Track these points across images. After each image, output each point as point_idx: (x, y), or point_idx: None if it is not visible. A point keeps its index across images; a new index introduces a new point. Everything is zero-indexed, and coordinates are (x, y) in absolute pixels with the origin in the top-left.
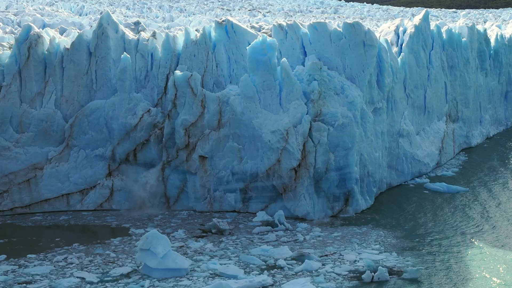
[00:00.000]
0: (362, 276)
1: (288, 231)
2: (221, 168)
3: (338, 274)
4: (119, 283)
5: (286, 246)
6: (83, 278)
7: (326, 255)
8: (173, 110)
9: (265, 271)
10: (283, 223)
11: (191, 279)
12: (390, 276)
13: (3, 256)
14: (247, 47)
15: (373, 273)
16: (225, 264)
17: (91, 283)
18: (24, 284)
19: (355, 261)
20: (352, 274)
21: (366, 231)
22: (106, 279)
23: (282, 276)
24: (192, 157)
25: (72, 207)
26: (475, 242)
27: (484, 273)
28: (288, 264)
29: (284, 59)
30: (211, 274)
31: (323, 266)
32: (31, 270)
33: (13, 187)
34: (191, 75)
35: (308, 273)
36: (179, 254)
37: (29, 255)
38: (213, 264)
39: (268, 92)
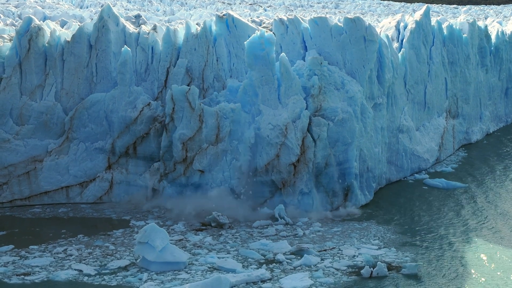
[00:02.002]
0: (361, 271)
1: (288, 226)
2: (219, 183)
3: (337, 269)
4: (117, 276)
5: (285, 240)
6: (80, 271)
7: (325, 250)
8: (170, 123)
9: (264, 265)
10: (284, 217)
11: (189, 273)
12: (389, 272)
13: (11, 246)
14: (245, 42)
15: (372, 269)
16: (223, 258)
17: (88, 275)
18: (23, 276)
19: (354, 256)
20: (351, 269)
21: (366, 227)
22: (103, 271)
23: (280, 270)
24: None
25: (72, 199)
26: (474, 238)
27: (482, 269)
28: (287, 259)
29: (283, 54)
30: (209, 267)
31: (322, 261)
32: (31, 261)
33: (12, 179)
34: (189, 89)
35: (307, 268)
36: (178, 247)
37: (31, 246)
38: (211, 258)
39: (266, 87)
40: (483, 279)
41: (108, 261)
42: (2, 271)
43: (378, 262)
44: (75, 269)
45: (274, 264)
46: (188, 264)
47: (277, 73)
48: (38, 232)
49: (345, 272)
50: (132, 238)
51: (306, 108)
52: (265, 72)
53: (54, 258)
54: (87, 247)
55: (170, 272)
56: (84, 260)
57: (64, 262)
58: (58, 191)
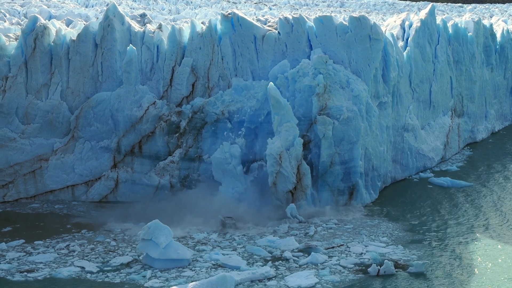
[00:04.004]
0: (368, 269)
1: (302, 224)
2: None
3: (344, 267)
4: (121, 273)
5: (293, 237)
6: (83, 268)
7: (333, 247)
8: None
9: (269, 263)
10: (296, 215)
11: (194, 270)
12: (396, 270)
13: (21, 241)
14: (210, 157)
15: (379, 267)
16: (228, 254)
17: (91, 272)
18: (25, 273)
19: (362, 253)
20: (357, 267)
21: (378, 224)
22: (106, 268)
23: (285, 268)
24: None
25: (77, 198)
26: (480, 236)
27: (489, 267)
28: (294, 256)
29: (271, 84)
30: (213, 265)
31: (329, 259)
32: (35, 258)
33: (18, 178)
34: None
35: (313, 266)
36: (181, 244)
37: (35, 242)
38: (215, 255)
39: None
40: (489, 277)
41: (110, 257)
42: (6, 268)
43: (385, 261)
44: (77, 266)
45: (280, 261)
46: (192, 261)
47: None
48: (42, 227)
49: (351, 270)
50: (133, 234)
51: (299, 135)
52: (235, 184)
53: (58, 254)
54: (90, 242)
55: (174, 269)
56: (87, 256)
57: (67, 259)
58: (64, 189)
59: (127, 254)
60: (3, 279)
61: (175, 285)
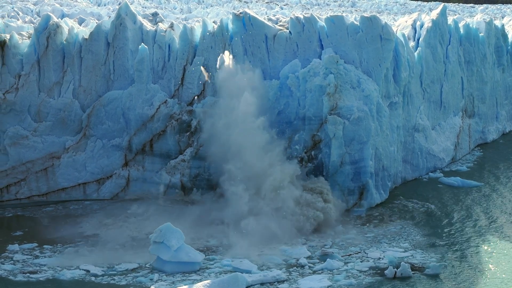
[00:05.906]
0: (385, 272)
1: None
2: None
3: (360, 271)
4: (127, 276)
5: (304, 246)
6: (87, 271)
7: (350, 255)
8: None
9: (283, 269)
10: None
11: (202, 275)
12: (413, 272)
13: (34, 244)
14: None
15: (395, 269)
16: (239, 259)
17: (95, 275)
18: (28, 274)
19: (379, 258)
20: (373, 271)
21: (399, 230)
22: (110, 272)
23: (298, 274)
24: None
25: (88, 196)
26: (495, 238)
27: (506, 269)
28: (309, 263)
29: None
30: (224, 271)
31: (345, 265)
32: (41, 260)
33: (30, 175)
34: None
35: (328, 271)
36: (193, 248)
37: (45, 246)
38: (226, 261)
39: None
40: (507, 279)
41: (115, 264)
42: (9, 269)
43: (402, 263)
44: (82, 269)
45: (295, 268)
46: (202, 268)
47: None
48: (50, 232)
49: (368, 273)
50: (139, 244)
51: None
52: None
53: (63, 258)
54: (97, 248)
55: (180, 274)
56: (92, 260)
57: (72, 262)
58: (75, 187)
59: (133, 262)
60: (5, 279)
61: (183, 286)
